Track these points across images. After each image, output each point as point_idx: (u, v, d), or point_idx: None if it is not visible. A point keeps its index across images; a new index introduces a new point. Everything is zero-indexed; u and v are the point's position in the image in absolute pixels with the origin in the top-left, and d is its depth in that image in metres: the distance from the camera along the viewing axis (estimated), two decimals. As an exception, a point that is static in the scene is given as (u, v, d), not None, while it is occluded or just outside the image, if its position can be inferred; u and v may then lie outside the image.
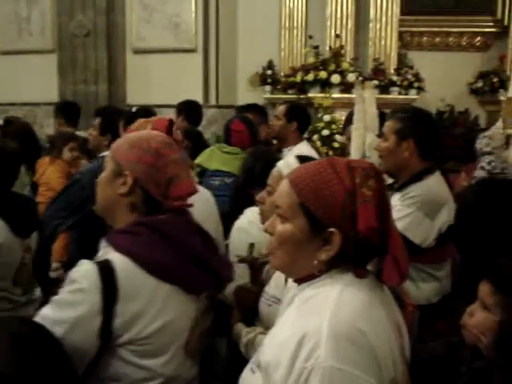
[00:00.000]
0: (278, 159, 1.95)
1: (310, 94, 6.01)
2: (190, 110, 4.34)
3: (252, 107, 3.89)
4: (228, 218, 2.30)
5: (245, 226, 2.06)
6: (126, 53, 6.70)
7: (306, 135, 4.20)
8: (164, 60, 6.49)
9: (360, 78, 5.85)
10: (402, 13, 6.31)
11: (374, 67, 6.15)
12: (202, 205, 2.04)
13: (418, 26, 6.51)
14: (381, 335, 1.06)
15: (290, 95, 6.20)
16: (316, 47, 6.12)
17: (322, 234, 1.09)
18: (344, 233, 1.07)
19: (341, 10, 6.25)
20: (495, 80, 6.15)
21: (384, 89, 6.08)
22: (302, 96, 6.07)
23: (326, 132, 5.60)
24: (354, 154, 2.94)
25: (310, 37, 6.29)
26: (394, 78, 6.11)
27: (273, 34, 6.52)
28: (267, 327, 1.65)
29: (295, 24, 6.50)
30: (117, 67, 6.64)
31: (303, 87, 6.07)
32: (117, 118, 3.12)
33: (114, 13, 6.53)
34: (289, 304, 1.19)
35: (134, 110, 3.81)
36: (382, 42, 6.27)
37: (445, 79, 6.24)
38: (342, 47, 6.11)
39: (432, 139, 2.26)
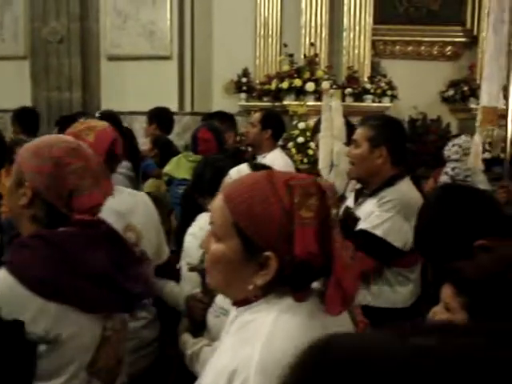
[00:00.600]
0: (230, 166, 1.91)
1: (284, 102, 6.06)
2: (162, 118, 4.34)
3: (219, 114, 3.90)
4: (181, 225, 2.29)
5: (196, 233, 2.00)
6: (100, 60, 6.65)
7: (280, 142, 4.23)
8: (139, 67, 6.48)
9: (334, 86, 5.91)
10: (375, 22, 6.41)
11: (348, 75, 6.23)
12: (142, 210, 2.03)
13: (391, 35, 6.61)
14: None
15: (265, 103, 6.24)
16: (291, 55, 6.18)
17: (258, 258, 1.00)
18: (281, 256, 0.98)
19: (315, 18, 6.32)
20: (465, 89, 6.27)
21: (358, 97, 6.16)
22: (276, 103, 6.11)
23: (300, 139, 5.65)
24: (322, 161, 2.96)
25: (285, 45, 6.34)
26: (368, 85, 6.19)
27: (248, 42, 6.56)
28: (213, 338, 1.61)
29: (270, 32, 6.55)
30: (91, 74, 6.59)
31: (278, 95, 6.12)
32: None
33: (88, 19, 6.49)
34: (231, 322, 1.12)
35: (97, 114, 3.79)
36: (356, 51, 6.35)
37: (417, 87, 6.34)
38: (316, 55, 6.17)
39: (403, 146, 2.31)
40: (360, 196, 2.33)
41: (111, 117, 3.31)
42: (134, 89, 6.40)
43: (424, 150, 5.79)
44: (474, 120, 5.79)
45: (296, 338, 0.95)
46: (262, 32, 6.56)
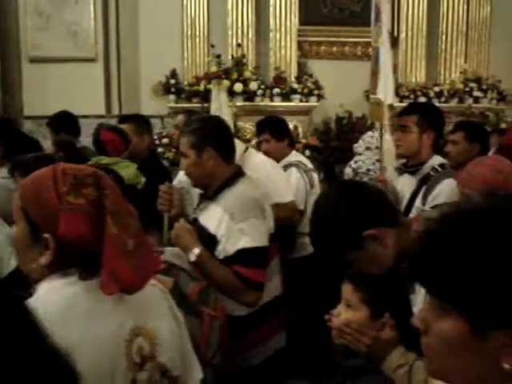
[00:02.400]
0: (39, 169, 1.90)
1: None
2: (66, 122, 4.23)
3: (131, 117, 3.82)
4: None
5: None
6: (21, 61, 6.41)
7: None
8: (63, 69, 6.28)
9: (262, 87, 5.98)
10: (301, 23, 6.54)
11: (276, 75, 6.31)
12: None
13: (316, 35, 6.75)
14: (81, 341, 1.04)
15: (194, 104, 6.22)
16: (218, 56, 6.18)
17: (41, 239, 1.10)
18: (57, 238, 1.09)
19: (241, 19, 6.36)
20: (388, 87, 6.50)
21: (285, 96, 6.25)
22: (205, 104, 6.11)
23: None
24: None
25: (212, 46, 6.34)
26: (295, 85, 6.30)
27: (175, 43, 6.51)
28: None
29: (197, 33, 6.54)
30: (11, 77, 6.34)
31: (207, 96, 6.11)
32: None
33: (7, 19, 6.24)
34: None
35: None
36: (283, 52, 6.45)
37: (343, 86, 6.51)
38: (243, 56, 6.21)
39: (229, 142, 2.27)
40: (202, 201, 2.29)
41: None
42: (57, 92, 6.20)
43: (350, 146, 5.95)
44: (395, 117, 6.04)
45: (61, 302, 1.07)
46: (189, 33, 6.54)
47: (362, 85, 6.74)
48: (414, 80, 6.61)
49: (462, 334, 0.72)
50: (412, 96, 6.42)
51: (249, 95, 6.11)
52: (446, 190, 2.53)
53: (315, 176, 3.67)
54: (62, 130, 4.16)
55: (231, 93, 6.01)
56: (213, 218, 2.14)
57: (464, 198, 2.00)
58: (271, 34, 6.41)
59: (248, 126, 6.05)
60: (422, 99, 6.42)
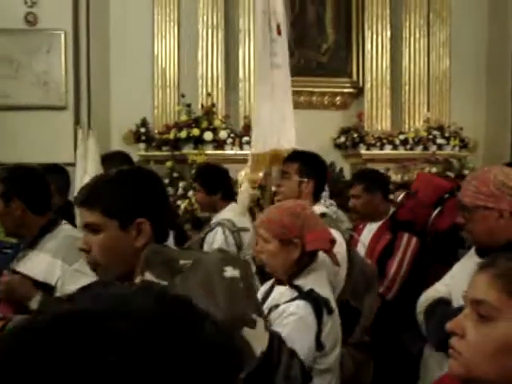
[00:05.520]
0: None
1: (183, 151, 6.12)
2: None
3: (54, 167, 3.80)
4: None
5: None
6: (-11, 110, 6.38)
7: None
8: (32, 117, 6.27)
9: (231, 135, 6.07)
10: (269, 73, 6.71)
11: (245, 124, 6.41)
12: None
13: (285, 85, 6.91)
14: None
15: (164, 152, 6.26)
16: (188, 105, 6.28)
17: None
18: None
19: (211, 69, 6.50)
20: (355, 135, 6.68)
21: (255, 145, 6.34)
22: (176, 152, 6.16)
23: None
24: None
25: (183, 95, 6.44)
26: (264, 134, 6.40)
27: (146, 92, 6.60)
28: None
29: (168, 83, 6.64)
30: (-20, 125, 6.30)
31: (177, 144, 6.16)
32: None
33: (-24, 69, 6.25)
34: None
35: None
36: (252, 100, 6.57)
37: (311, 135, 6.62)
38: (213, 105, 6.32)
39: (42, 193, 2.23)
40: (20, 251, 2.23)
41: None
42: (26, 140, 6.17)
43: (319, 194, 6.03)
44: (363, 165, 6.19)
45: None
46: (160, 83, 6.64)
47: (330, 133, 6.94)
48: (379, 128, 6.80)
49: None
50: (378, 144, 6.60)
51: (218, 143, 6.18)
52: None
53: (246, 236, 3.41)
54: None
55: (201, 141, 6.08)
56: (39, 265, 2.10)
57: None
58: (240, 84, 6.55)
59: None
60: (388, 147, 6.59)
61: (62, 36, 6.32)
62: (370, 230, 3.40)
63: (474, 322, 1.02)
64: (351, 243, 2.84)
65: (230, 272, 1.25)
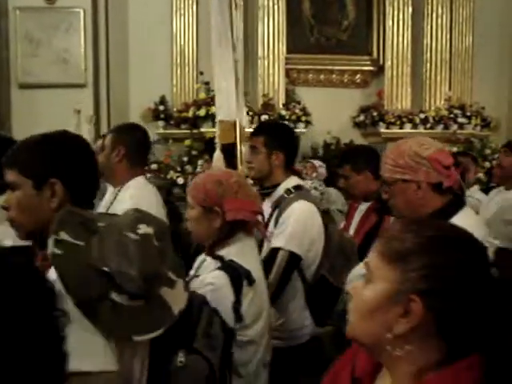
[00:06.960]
0: None
1: (202, 129, 6.11)
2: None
3: None
4: None
5: None
6: (10, 88, 6.44)
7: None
8: (52, 95, 6.31)
9: (250, 113, 6.04)
10: (289, 51, 6.65)
11: (264, 102, 6.39)
12: None
13: (304, 63, 6.87)
14: None
15: (183, 130, 6.26)
16: (207, 83, 6.25)
17: None
18: None
19: (230, 47, 6.45)
20: (375, 114, 6.61)
21: (274, 123, 6.32)
22: (194, 131, 6.15)
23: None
24: None
25: (201, 73, 6.42)
26: (283, 112, 6.38)
27: (164, 70, 6.59)
28: None
29: (186, 61, 6.62)
30: (1, 103, 6.36)
31: (195, 122, 6.16)
32: None
33: (-3, 46, 6.29)
34: None
35: None
36: (271, 79, 6.54)
37: (330, 113, 6.61)
38: (232, 83, 6.28)
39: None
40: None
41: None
42: (47, 117, 6.21)
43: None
44: (383, 143, 6.13)
45: None
46: (179, 60, 6.62)
47: (350, 112, 6.88)
48: (399, 107, 6.72)
49: None
50: (398, 122, 6.53)
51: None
52: (295, 213, 2.44)
53: None
54: None
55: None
56: None
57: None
58: (259, 62, 6.51)
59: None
60: (408, 126, 6.52)
61: (81, 14, 6.32)
62: (360, 211, 3.21)
63: (363, 285, 1.05)
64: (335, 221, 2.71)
65: (144, 229, 1.26)
